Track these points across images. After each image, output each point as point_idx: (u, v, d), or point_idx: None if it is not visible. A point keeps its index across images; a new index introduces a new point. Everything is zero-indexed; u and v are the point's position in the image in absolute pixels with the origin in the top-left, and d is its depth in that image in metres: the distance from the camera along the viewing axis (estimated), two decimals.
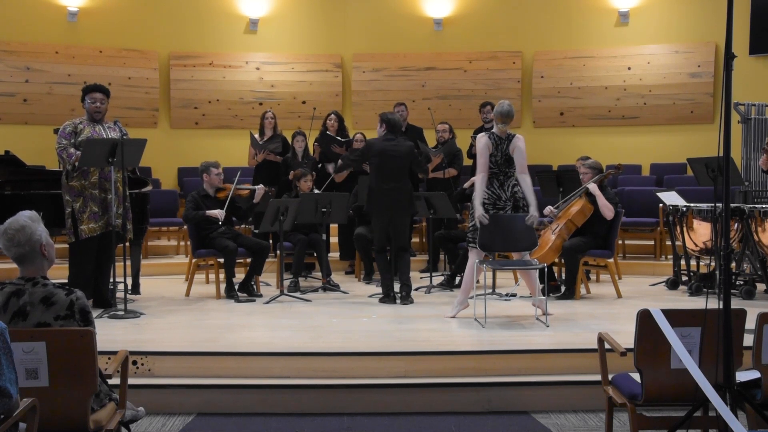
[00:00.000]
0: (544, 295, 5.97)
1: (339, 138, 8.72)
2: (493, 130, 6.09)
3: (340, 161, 8.22)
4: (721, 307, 3.20)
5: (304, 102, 11.45)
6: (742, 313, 3.42)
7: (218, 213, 7.08)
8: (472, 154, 9.13)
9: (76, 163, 6.15)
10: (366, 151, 6.92)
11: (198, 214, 7.07)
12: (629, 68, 11.38)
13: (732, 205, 6.75)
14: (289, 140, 8.74)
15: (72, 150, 6.20)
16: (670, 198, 7.80)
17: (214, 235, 7.10)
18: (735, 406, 3.13)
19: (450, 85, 11.62)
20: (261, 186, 7.56)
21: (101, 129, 6.38)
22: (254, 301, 6.92)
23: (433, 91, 11.60)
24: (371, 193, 6.77)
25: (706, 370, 3.19)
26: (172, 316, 6.24)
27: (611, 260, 7.16)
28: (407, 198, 6.77)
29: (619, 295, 7.01)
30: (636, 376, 3.52)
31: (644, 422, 3.51)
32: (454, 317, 6.02)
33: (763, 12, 10.66)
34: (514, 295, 7.04)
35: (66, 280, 6.17)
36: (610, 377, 3.82)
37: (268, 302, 6.80)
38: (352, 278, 8.39)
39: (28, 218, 3.13)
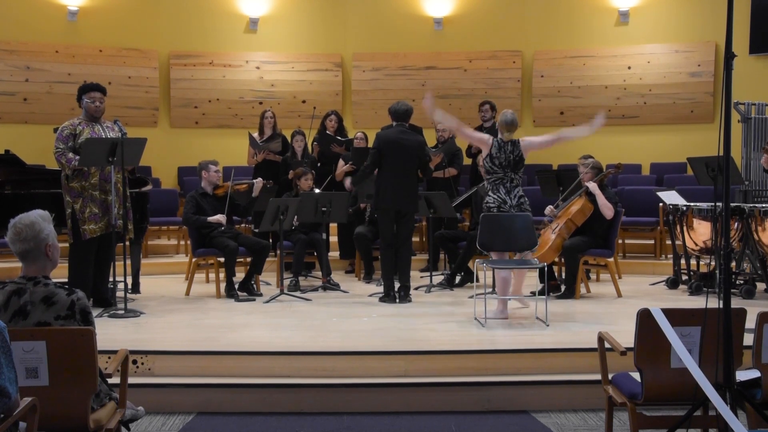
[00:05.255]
0: (543, 294, 5.97)
1: (339, 138, 8.72)
2: (498, 136, 6.21)
3: (351, 176, 8.07)
4: (721, 306, 3.20)
5: (304, 101, 11.45)
6: (742, 313, 3.43)
7: (220, 218, 7.07)
8: (471, 154, 9.14)
9: (76, 165, 6.14)
10: (378, 145, 6.76)
11: (199, 219, 7.07)
12: (629, 67, 11.37)
13: (732, 204, 6.75)
14: (289, 139, 8.74)
15: (71, 155, 6.19)
16: (670, 197, 7.79)
17: (214, 234, 7.10)
18: (735, 406, 3.14)
19: (450, 84, 11.62)
20: (259, 179, 7.56)
21: (100, 129, 6.36)
22: (254, 300, 6.92)
23: (433, 90, 11.45)
24: (379, 188, 6.72)
25: (706, 369, 3.19)
26: (172, 316, 6.24)
27: (611, 259, 7.16)
28: (415, 192, 6.77)
29: (619, 295, 7.01)
30: (636, 376, 3.52)
31: (644, 421, 3.52)
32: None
33: (763, 12, 10.65)
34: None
35: (66, 280, 6.20)
36: (610, 376, 3.82)
37: (268, 301, 6.80)
38: (352, 277, 8.39)
39: (38, 216, 3.15)
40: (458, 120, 6.65)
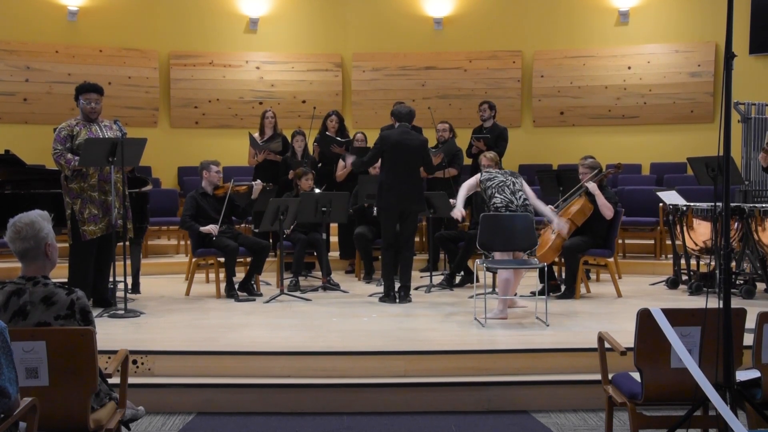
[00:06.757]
0: (543, 294, 5.97)
1: (339, 138, 8.71)
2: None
3: (352, 159, 7.93)
4: (721, 306, 3.20)
5: (304, 101, 11.45)
6: (742, 313, 3.43)
7: (212, 229, 7.04)
8: (471, 154, 9.14)
9: (76, 165, 6.13)
10: (381, 144, 6.79)
11: (193, 226, 7.06)
12: (629, 68, 11.37)
13: (732, 204, 6.75)
14: (289, 139, 8.74)
15: (69, 156, 6.18)
16: (670, 197, 7.79)
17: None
18: (735, 406, 3.14)
19: (450, 84, 11.61)
20: (258, 181, 7.55)
21: (98, 129, 6.35)
22: (254, 300, 6.92)
23: (433, 90, 11.59)
24: (383, 188, 6.73)
25: (706, 369, 3.19)
26: (172, 316, 6.24)
27: (611, 259, 7.16)
28: (418, 193, 6.78)
29: (619, 295, 7.01)
30: (636, 376, 3.52)
31: (644, 421, 3.52)
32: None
33: (763, 12, 10.65)
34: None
35: (66, 280, 6.20)
36: (610, 376, 3.82)
37: (268, 301, 6.80)
38: (352, 277, 8.39)
39: (38, 215, 3.15)
40: (459, 202, 6.55)
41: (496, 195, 6.22)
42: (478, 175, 6.54)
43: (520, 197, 6.20)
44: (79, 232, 6.22)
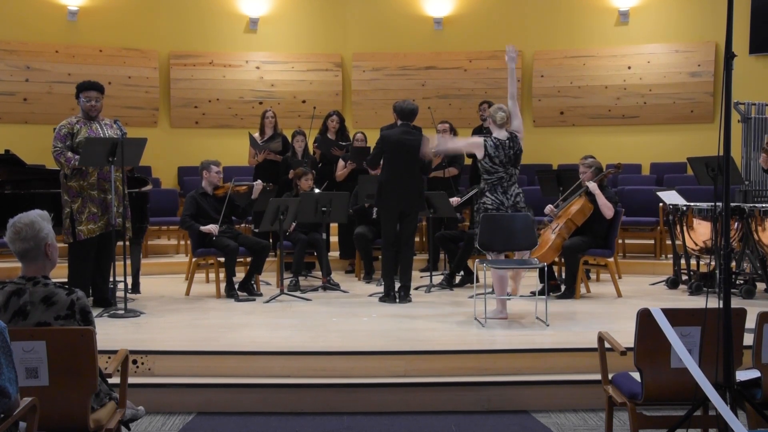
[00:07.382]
0: (543, 294, 5.97)
1: (340, 143, 8.70)
2: (493, 136, 6.15)
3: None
4: (721, 306, 3.20)
5: (304, 101, 11.45)
6: (742, 313, 3.43)
7: (212, 228, 7.04)
8: (471, 154, 9.13)
9: (76, 164, 6.13)
10: (381, 144, 6.79)
11: (193, 225, 7.07)
12: (629, 67, 11.37)
13: (732, 204, 6.74)
14: (289, 139, 8.74)
15: (69, 154, 6.18)
16: (670, 197, 7.79)
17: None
18: (735, 406, 3.14)
19: (450, 84, 11.61)
20: (259, 181, 7.55)
21: (98, 127, 6.35)
22: (254, 300, 6.92)
23: (433, 90, 11.59)
24: (383, 188, 6.73)
25: (706, 369, 3.19)
26: (172, 315, 6.24)
27: (611, 259, 7.16)
28: (418, 192, 6.77)
29: (619, 295, 7.01)
30: (636, 376, 3.52)
31: (644, 421, 3.52)
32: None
33: (763, 11, 10.65)
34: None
35: (66, 280, 6.20)
36: (610, 376, 3.82)
37: (268, 301, 6.80)
38: (352, 277, 8.39)
39: (38, 215, 3.15)
40: (446, 140, 6.46)
41: (488, 195, 6.12)
42: (482, 143, 6.12)
43: (511, 196, 6.09)
44: (76, 232, 6.21)
